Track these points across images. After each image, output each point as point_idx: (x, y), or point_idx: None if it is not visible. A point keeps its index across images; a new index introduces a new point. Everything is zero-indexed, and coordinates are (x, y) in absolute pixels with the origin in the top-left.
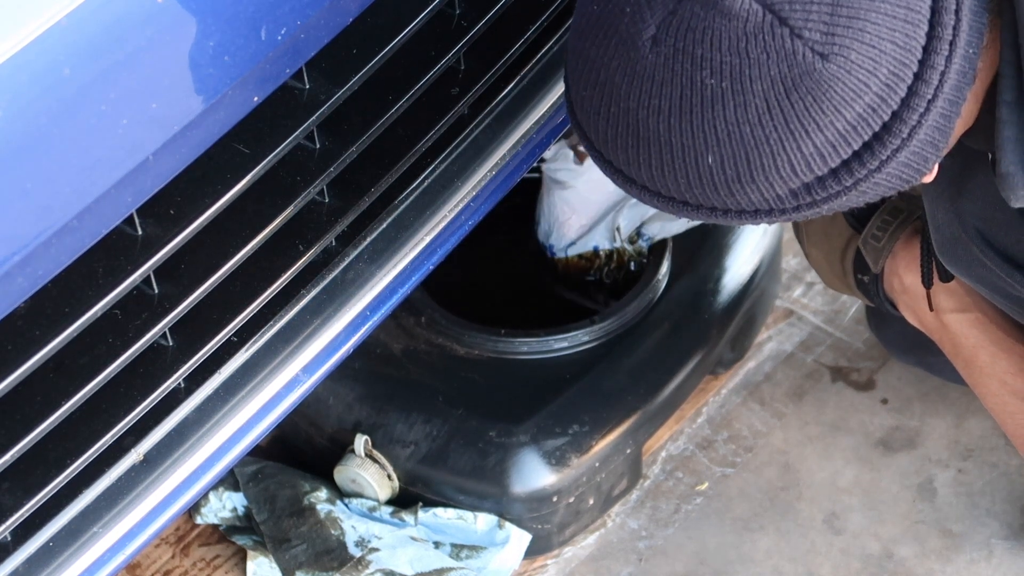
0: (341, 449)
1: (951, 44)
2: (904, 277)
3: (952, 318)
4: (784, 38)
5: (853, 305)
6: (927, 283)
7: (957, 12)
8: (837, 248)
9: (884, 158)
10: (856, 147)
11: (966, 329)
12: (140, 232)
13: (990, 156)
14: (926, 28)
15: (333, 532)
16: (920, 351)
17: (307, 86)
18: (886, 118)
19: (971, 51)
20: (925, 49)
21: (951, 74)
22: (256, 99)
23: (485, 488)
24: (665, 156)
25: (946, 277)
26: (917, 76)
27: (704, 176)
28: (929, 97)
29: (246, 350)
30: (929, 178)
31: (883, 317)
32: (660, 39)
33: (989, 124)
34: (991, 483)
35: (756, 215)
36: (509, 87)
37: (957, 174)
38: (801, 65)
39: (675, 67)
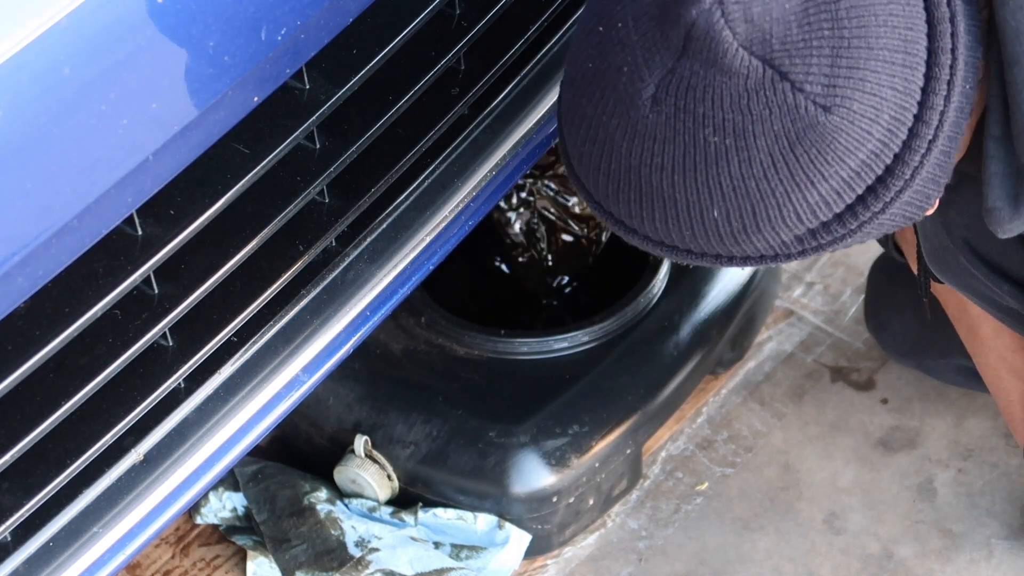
0: (341, 449)
1: (949, 84)
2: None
3: None
4: (786, 93)
5: (853, 305)
6: (923, 293)
7: (953, 51)
8: None
9: (888, 200)
10: (860, 191)
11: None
12: (140, 232)
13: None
14: (923, 70)
15: (333, 532)
16: (919, 354)
17: (307, 86)
18: (888, 161)
19: (968, 87)
20: (924, 90)
21: (950, 112)
22: (256, 99)
23: (485, 488)
24: (669, 211)
25: (925, 290)
26: (917, 118)
27: (710, 229)
28: (930, 137)
29: (246, 350)
30: (931, 211)
31: (883, 320)
32: (660, 98)
33: (979, 153)
34: (991, 483)
35: (762, 260)
36: (509, 87)
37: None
38: (804, 119)
39: (677, 125)
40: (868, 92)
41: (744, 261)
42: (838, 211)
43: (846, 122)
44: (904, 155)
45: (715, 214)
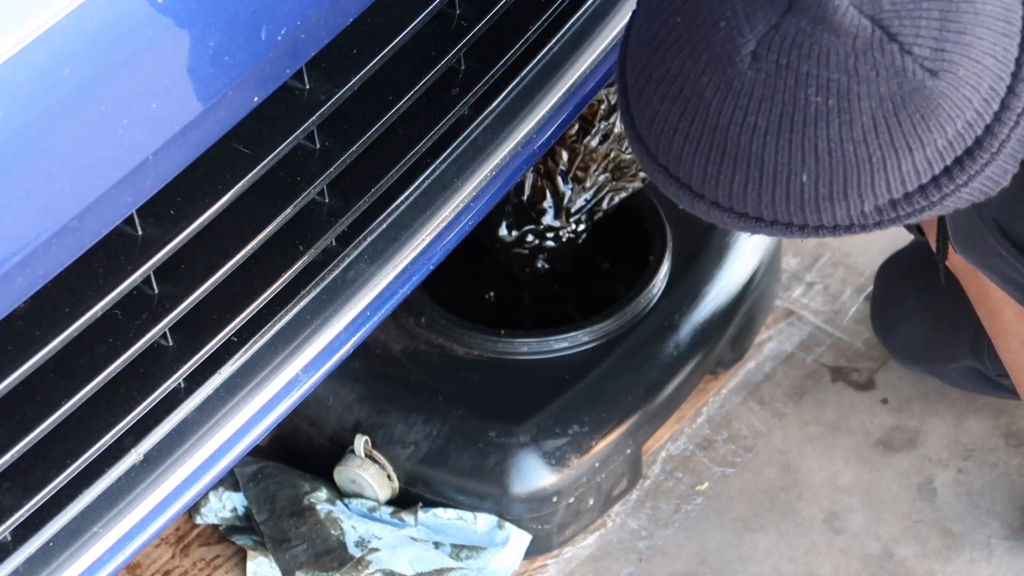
0: (341, 449)
1: None
2: None
3: None
4: (894, 54)
5: (853, 305)
6: (941, 258)
7: None
8: None
9: (973, 172)
10: (948, 163)
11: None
12: (140, 232)
13: None
14: (1019, 40)
15: (333, 532)
16: (928, 359)
17: (307, 86)
18: (979, 133)
19: None
20: (1017, 62)
21: None
22: (256, 99)
23: (485, 488)
24: (753, 174)
25: (943, 256)
26: (1010, 90)
27: (793, 194)
28: (1019, 110)
29: (246, 350)
30: (1004, 186)
31: (891, 325)
32: (761, 54)
33: None
34: (991, 483)
35: (835, 230)
36: (509, 87)
37: None
38: (911, 82)
39: (777, 84)
40: (973, 59)
41: (816, 231)
42: (924, 182)
43: (951, 87)
44: (994, 127)
45: (803, 179)
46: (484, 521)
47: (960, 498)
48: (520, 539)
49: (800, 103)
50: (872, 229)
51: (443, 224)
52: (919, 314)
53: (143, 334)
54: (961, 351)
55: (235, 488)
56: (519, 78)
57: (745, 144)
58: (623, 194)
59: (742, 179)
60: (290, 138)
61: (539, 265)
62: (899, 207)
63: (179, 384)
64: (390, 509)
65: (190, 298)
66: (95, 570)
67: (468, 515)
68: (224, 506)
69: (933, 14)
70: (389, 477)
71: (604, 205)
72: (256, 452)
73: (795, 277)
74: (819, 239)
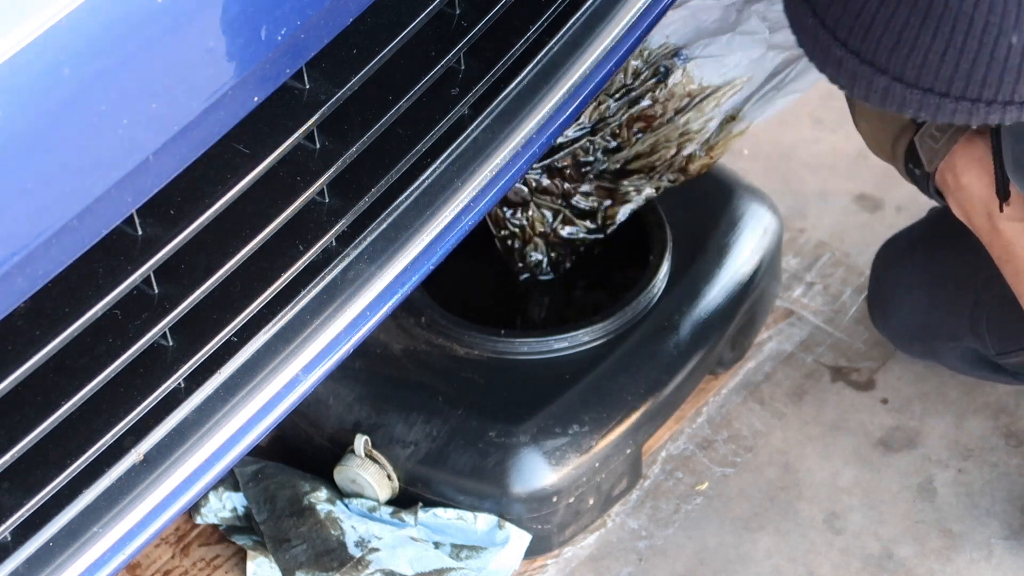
0: (341, 449)
1: None
2: (961, 176)
3: (1009, 226)
4: None
5: (853, 305)
6: (1003, 195)
7: None
8: (890, 133)
9: None
10: None
11: (1021, 238)
12: (140, 232)
13: None
14: None
15: (333, 532)
16: (928, 337)
17: (307, 86)
18: None
19: None
20: None
21: None
22: (256, 99)
23: (485, 488)
24: (956, 37)
25: (1005, 195)
26: None
27: (997, 59)
28: None
29: (246, 350)
30: None
31: (890, 305)
32: None
33: None
34: (991, 483)
35: (1022, 107)
36: (509, 87)
37: None
38: None
39: None
40: None
41: (1003, 108)
42: None
43: None
44: None
45: (1013, 39)
46: (484, 521)
47: (960, 498)
48: (520, 539)
49: None
50: None
51: (443, 224)
52: (917, 289)
53: (143, 334)
54: (960, 327)
55: (235, 488)
56: (519, 78)
57: (954, 4)
58: (633, 206)
59: (941, 44)
60: (290, 138)
61: (539, 265)
62: None
63: (179, 384)
64: (390, 509)
65: (190, 298)
66: (95, 570)
67: (468, 515)
68: (224, 506)
69: None
70: (389, 477)
71: (618, 218)
72: (256, 452)
73: (795, 277)
74: (992, 122)
